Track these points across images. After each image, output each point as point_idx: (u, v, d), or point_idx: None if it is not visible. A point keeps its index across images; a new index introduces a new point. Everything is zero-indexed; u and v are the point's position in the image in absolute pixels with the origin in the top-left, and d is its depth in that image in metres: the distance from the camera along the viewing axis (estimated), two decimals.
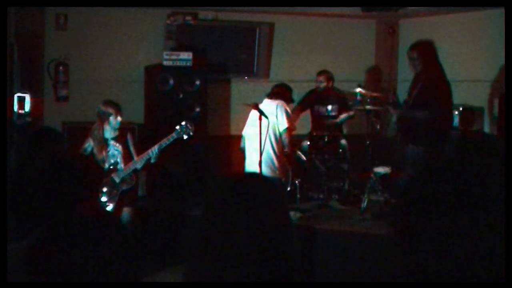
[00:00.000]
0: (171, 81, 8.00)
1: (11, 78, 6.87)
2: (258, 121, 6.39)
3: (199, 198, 6.64)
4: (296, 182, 7.09)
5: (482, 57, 7.94)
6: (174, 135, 5.92)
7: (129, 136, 5.97)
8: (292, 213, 6.41)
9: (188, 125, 6.00)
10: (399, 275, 1.32)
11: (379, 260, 5.37)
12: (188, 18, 8.41)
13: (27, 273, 1.46)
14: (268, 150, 6.67)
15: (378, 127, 7.56)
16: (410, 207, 1.34)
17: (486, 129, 7.81)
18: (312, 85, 8.22)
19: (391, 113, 6.58)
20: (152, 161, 5.88)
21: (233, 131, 8.57)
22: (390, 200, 6.57)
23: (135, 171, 5.91)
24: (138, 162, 5.84)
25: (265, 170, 6.58)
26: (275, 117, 6.74)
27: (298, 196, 7.02)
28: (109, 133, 5.86)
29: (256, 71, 8.95)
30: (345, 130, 8.33)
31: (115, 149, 5.84)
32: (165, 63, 7.93)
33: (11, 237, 2.25)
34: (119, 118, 5.82)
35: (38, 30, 7.92)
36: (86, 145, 5.84)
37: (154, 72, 8.04)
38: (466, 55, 8.10)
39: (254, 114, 6.72)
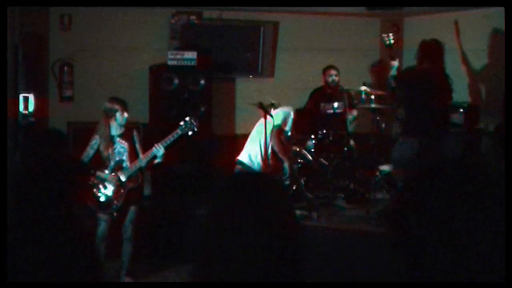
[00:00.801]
0: (176, 81, 8.01)
1: (16, 79, 6.87)
2: (262, 120, 6.40)
3: (205, 197, 6.64)
4: (302, 180, 7.09)
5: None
6: (178, 131, 5.87)
7: (135, 133, 5.92)
8: (298, 212, 6.41)
9: (192, 120, 5.94)
10: (403, 273, 1.31)
11: (385, 259, 5.35)
12: (193, 17, 8.42)
13: None
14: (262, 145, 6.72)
15: (383, 125, 7.54)
16: (409, 207, 1.34)
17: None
18: (317, 84, 8.20)
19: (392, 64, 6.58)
20: (159, 160, 5.82)
21: (238, 130, 8.57)
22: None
23: (140, 169, 5.85)
24: (143, 160, 5.79)
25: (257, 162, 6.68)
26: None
27: (307, 194, 7.01)
28: (115, 130, 5.79)
29: (260, 70, 8.94)
30: (350, 128, 8.30)
31: (121, 147, 5.80)
32: (169, 62, 7.94)
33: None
34: (125, 115, 5.77)
35: (43, 31, 7.95)
36: (93, 142, 5.76)
37: (159, 72, 8.04)
38: (470, 53, 8.07)
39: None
